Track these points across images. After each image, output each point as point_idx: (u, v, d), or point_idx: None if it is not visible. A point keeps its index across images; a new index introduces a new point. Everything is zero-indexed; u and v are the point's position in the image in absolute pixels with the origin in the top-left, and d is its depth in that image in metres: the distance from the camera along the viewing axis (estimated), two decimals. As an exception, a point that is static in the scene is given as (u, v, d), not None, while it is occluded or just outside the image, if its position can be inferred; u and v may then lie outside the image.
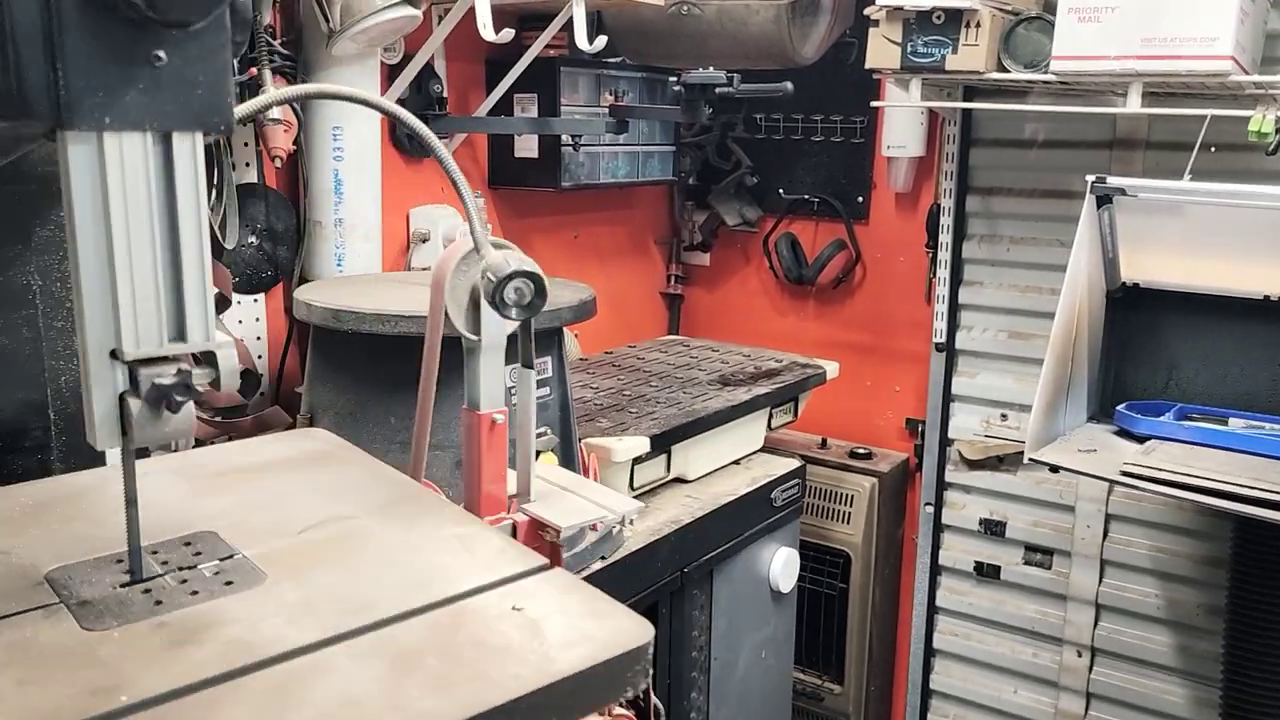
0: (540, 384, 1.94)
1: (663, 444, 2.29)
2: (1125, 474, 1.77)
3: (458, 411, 1.85)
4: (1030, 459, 1.86)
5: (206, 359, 0.76)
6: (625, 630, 0.78)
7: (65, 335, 1.15)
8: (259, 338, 2.19)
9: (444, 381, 1.85)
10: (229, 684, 0.68)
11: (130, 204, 0.72)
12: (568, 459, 1.98)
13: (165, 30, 0.69)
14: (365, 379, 1.86)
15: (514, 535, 1.35)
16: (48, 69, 0.67)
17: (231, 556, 0.86)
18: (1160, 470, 1.75)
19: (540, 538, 1.37)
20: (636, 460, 2.23)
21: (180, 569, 0.85)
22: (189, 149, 0.74)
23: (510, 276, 1.05)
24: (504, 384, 1.36)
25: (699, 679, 2.34)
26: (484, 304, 1.28)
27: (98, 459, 1.11)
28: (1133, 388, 2.25)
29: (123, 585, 0.82)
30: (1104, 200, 2.01)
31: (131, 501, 0.80)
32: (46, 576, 0.83)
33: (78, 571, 0.84)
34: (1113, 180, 2.04)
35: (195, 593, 0.81)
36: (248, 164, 2.13)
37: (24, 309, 1.11)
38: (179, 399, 0.73)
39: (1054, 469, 1.87)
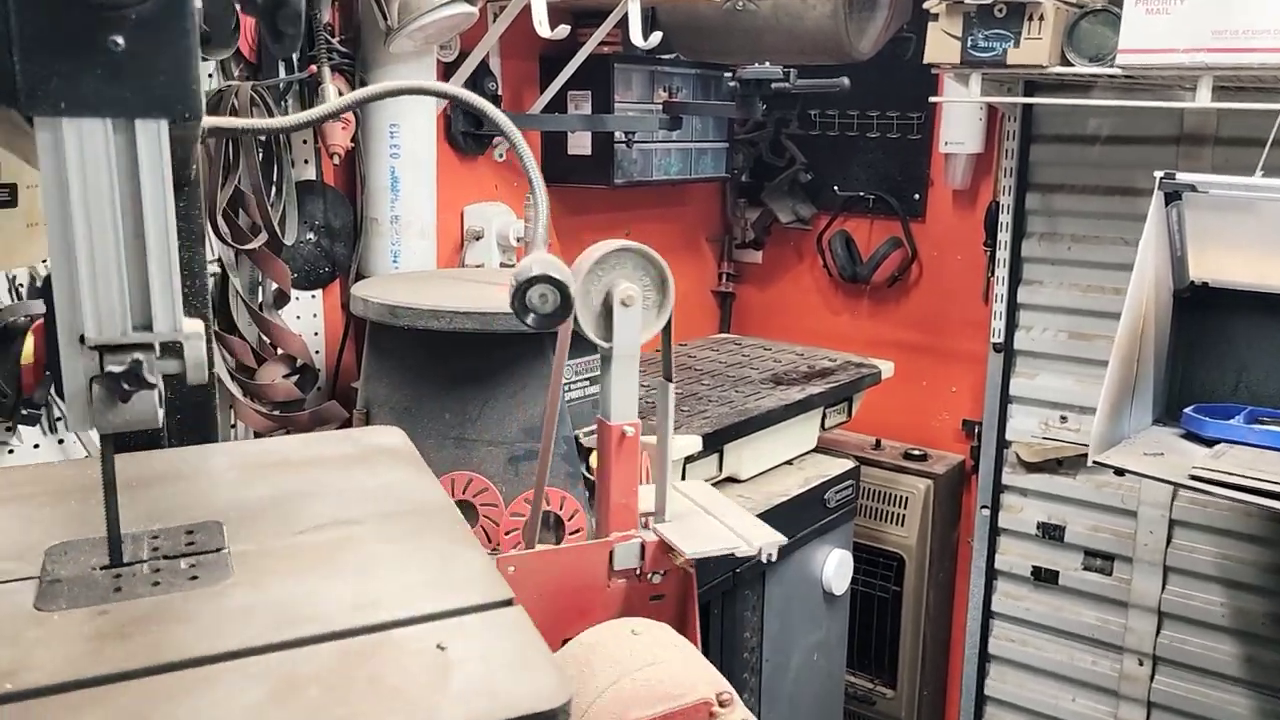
0: (593, 381, 1.94)
1: (715, 443, 2.27)
2: (1194, 478, 1.72)
3: (511, 408, 1.86)
4: (1095, 461, 1.82)
5: (173, 349, 0.75)
6: (538, 691, 0.70)
7: None
8: (316, 333, 2.22)
9: (497, 379, 1.86)
10: (107, 687, 0.67)
11: (91, 190, 0.72)
12: (620, 456, 1.97)
13: (120, 15, 0.68)
14: (420, 374, 1.87)
15: (641, 555, 1.36)
16: (3, 53, 0.67)
17: (217, 551, 0.85)
18: (1231, 474, 1.69)
19: (669, 560, 1.38)
20: (688, 459, 2.22)
21: (163, 558, 0.84)
22: (154, 136, 0.72)
23: (532, 281, 0.98)
24: (637, 394, 1.35)
25: (750, 680, 2.32)
26: (617, 309, 1.30)
27: (207, 439, 1.17)
28: (1200, 390, 2.19)
29: (101, 568, 0.82)
30: (1172, 197, 1.96)
31: (110, 486, 0.80)
32: (46, 550, 0.84)
33: (74, 548, 0.85)
34: (1182, 176, 1.98)
35: (157, 584, 0.80)
36: (306, 161, 2.15)
37: None
38: (128, 388, 0.73)
39: (1119, 472, 1.82)
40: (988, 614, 3.07)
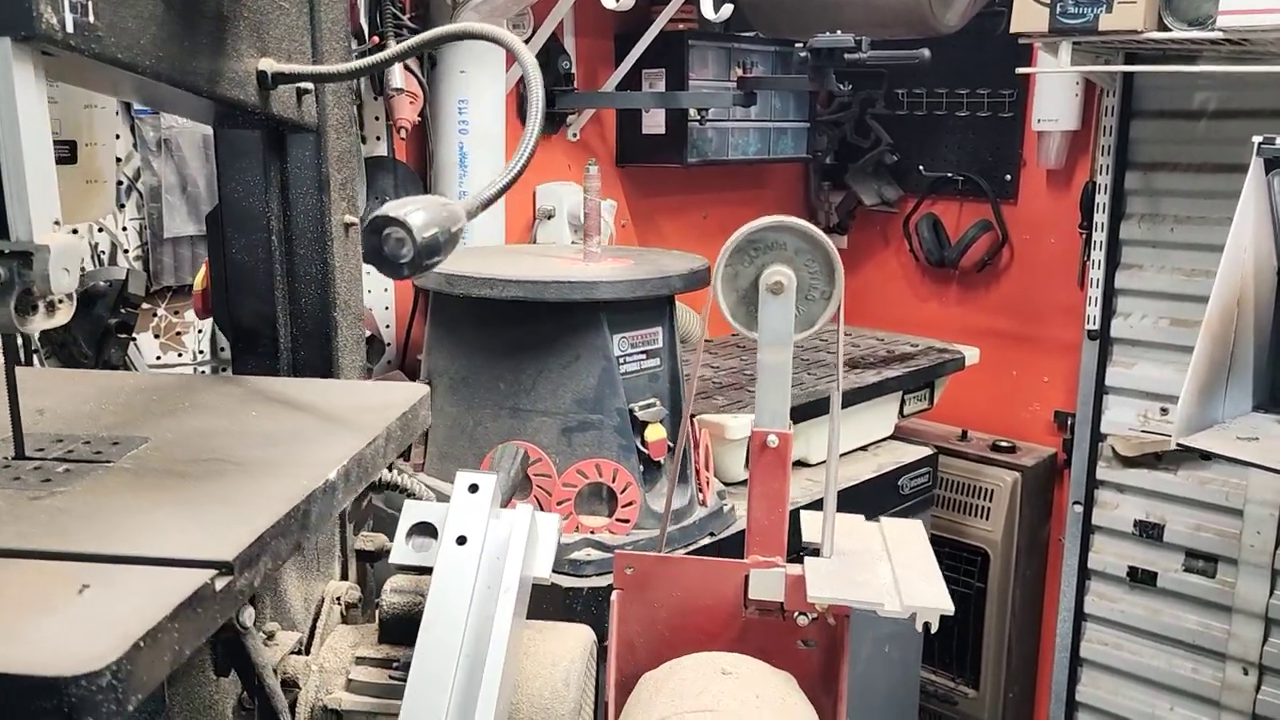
0: (649, 355, 1.91)
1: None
2: (1290, 464, 1.59)
3: (564, 378, 1.85)
4: (1179, 444, 1.69)
5: (25, 257, 0.74)
6: (48, 656, 0.57)
7: (306, 262, 1.24)
8: (387, 308, 2.26)
9: (550, 349, 1.86)
10: None
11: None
12: (676, 434, 1.94)
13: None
14: (475, 345, 1.88)
15: (782, 587, 1.20)
16: None
17: (103, 462, 0.87)
18: (1332, 461, 1.56)
19: (805, 603, 1.20)
20: (753, 439, 2.17)
21: (56, 459, 0.87)
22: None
23: (383, 222, 0.79)
24: (788, 398, 1.23)
25: (815, 668, 2.26)
26: (763, 296, 1.18)
27: (327, 373, 1.22)
28: (1308, 376, 2.02)
29: (5, 458, 0.86)
30: (1273, 164, 1.81)
31: (10, 385, 0.82)
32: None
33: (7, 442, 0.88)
34: (1285, 142, 1.84)
35: (17, 479, 0.83)
36: (378, 138, 2.19)
37: (259, 233, 1.21)
38: None
39: (1206, 456, 1.70)
40: (1080, 615, 2.92)
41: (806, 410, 2.23)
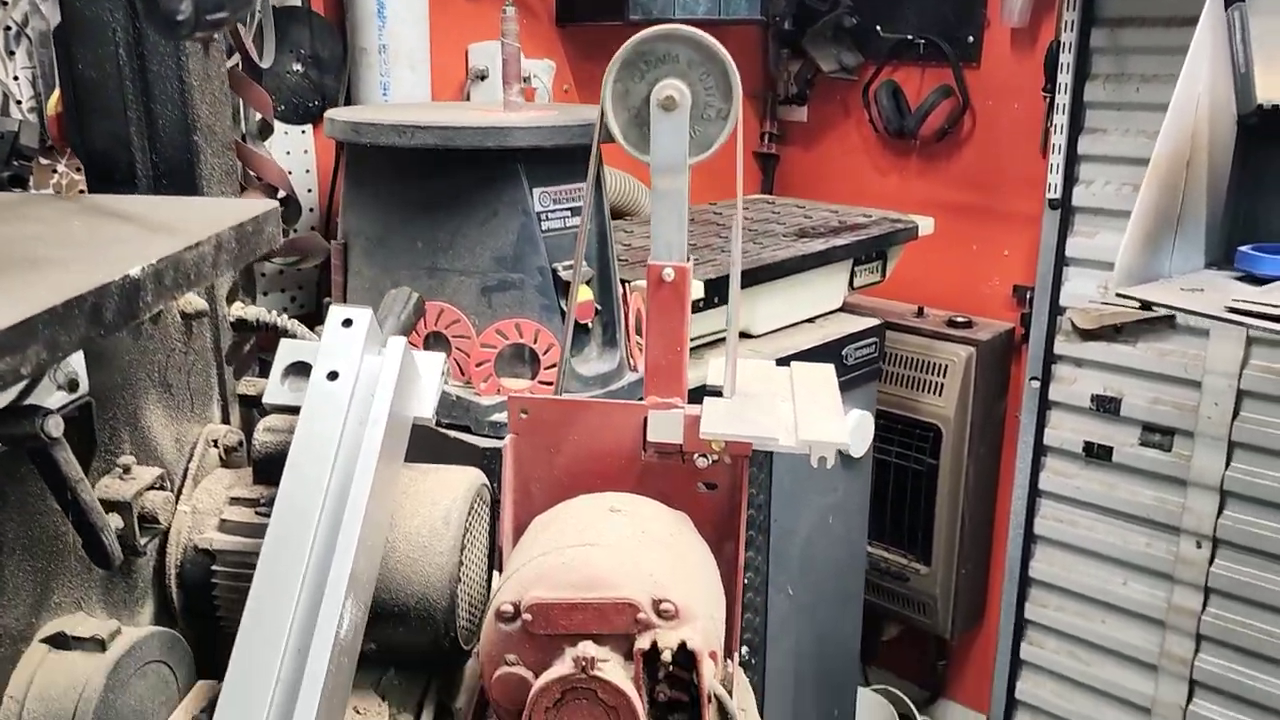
0: (575, 212, 1.82)
1: (720, 291, 2.14)
2: (1232, 310, 1.51)
3: (482, 236, 1.76)
4: (1118, 294, 1.62)
5: None
6: None
7: (160, 80, 1.14)
8: (308, 170, 2.15)
9: (467, 203, 1.76)
10: None
11: None
12: (606, 298, 1.86)
13: None
14: (391, 201, 1.79)
15: (681, 428, 1.14)
16: None
17: None
18: (1276, 306, 1.49)
19: (704, 445, 1.15)
20: (692, 308, 2.09)
21: None
22: None
23: None
24: (684, 227, 1.12)
25: (757, 538, 2.23)
26: (655, 114, 1.07)
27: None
28: (1266, 230, 1.94)
29: None
30: (1233, -3, 1.70)
31: None
32: None
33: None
34: (1248, -25, 1.72)
35: None
36: (290, -13, 2.05)
37: (106, 46, 1.11)
38: None
39: (1145, 305, 1.62)
40: (1035, 491, 2.89)
41: (748, 278, 2.16)
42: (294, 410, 1.07)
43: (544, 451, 1.23)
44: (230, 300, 1.21)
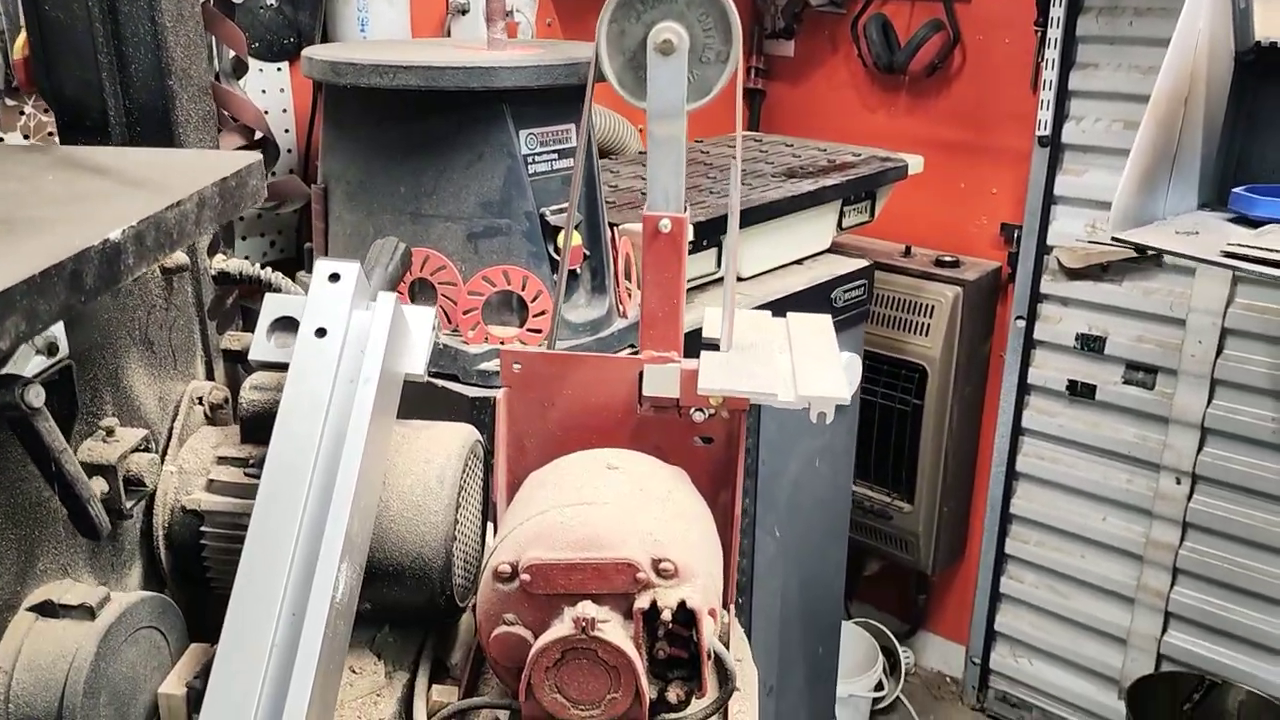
0: (562, 154, 1.77)
1: (709, 234, 2.11)
2: (1226, 254, 1.50)
3: (467, 180, 1.72)
4: (1114, 238, 1.61)
5: None
6: None
7: (131, 20, 1.09)
8: (285, 110, 2.08)
9: (450, 146, 1.71)
10: None
11: None
12: (594, 241, 1.83)
13: None
14: (372, 144, 1.73)
15: (677, 382, 1.12)
16: None
17: None
18: (1272, 251, 1.48)
19: (701, 399, 1.13)
20: (691, 247, 2.06)
21: None
22: None
23: None
24: (682, 176, 1.09)
25: (745, 481, 2.23)
26: (652, 58, 1.04)
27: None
28: (1260, 170, 1.93)
29: None
30: (1237, -69, 1.66)
31: None
32: None
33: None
34: (1252, -91, 1.68)
35: None
36: (261, -83, 1.97)
37: None
38: None
39: (1140, 250, 1.61)
40: (1018, 430, 2.91)
41: (740, 220, 2.12)
42: (281, 367, 1.04)
43: (537, 406, 1.21)
44: (211, 253, 1.17)
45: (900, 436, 2.87)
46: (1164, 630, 2.78)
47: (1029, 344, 2.83)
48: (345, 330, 1.04)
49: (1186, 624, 2.74)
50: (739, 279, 2.27)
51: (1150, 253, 1.59)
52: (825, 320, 1.30)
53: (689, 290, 2.18)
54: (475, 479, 1.17)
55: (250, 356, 1.09)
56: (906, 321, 2.81)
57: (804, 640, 2.55)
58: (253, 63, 1.99)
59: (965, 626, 3.18)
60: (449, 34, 2.31)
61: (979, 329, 2.87)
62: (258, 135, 1.90)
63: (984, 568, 3.07)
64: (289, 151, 2.09)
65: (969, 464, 3.05)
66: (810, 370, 1.14)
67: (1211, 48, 1.75)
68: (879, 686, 3.04)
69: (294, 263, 2.04)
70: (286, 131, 2.07)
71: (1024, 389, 2.88)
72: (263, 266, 1.20)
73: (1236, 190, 1.80)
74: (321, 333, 1.03)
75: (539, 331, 1.72)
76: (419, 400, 1.72)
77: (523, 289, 1.72)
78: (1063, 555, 2.92)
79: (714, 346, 1.22)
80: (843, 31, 3.02)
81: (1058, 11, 2.54)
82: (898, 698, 3.18)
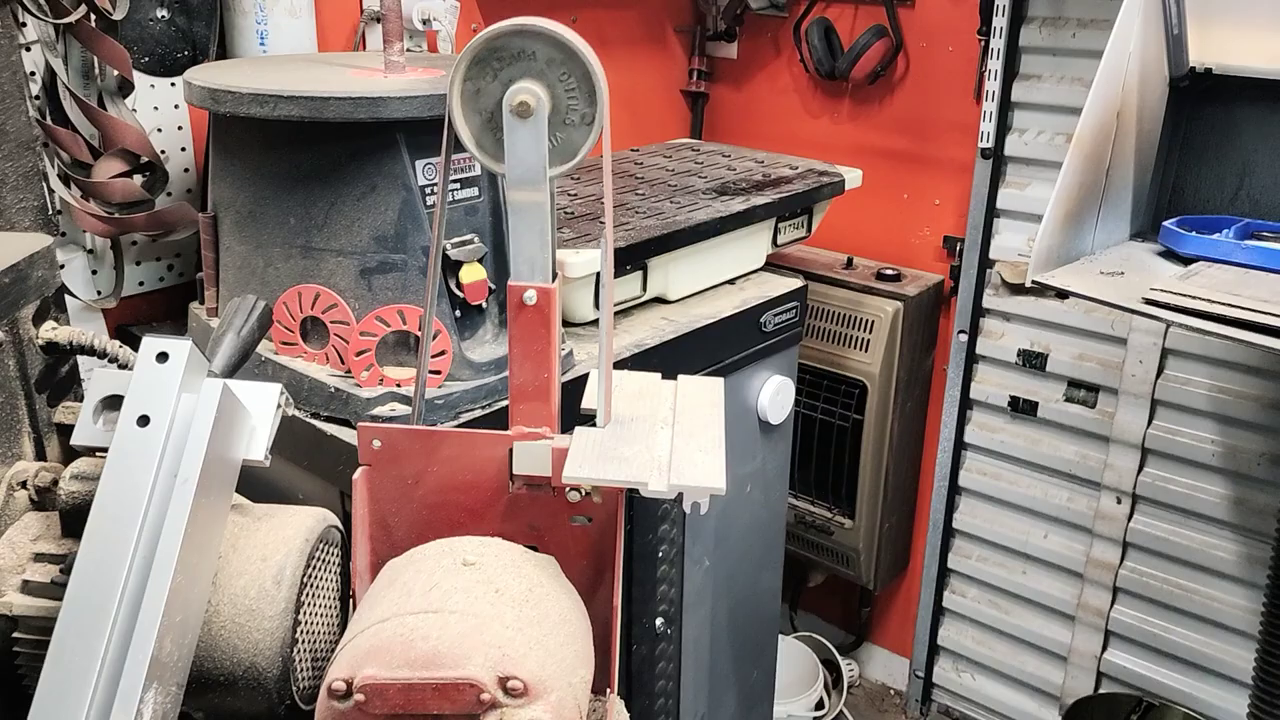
0: (465, 184, 1.68)
1: (635, 258, 2.03)
2: (1148, 301, 1.44)
3: (360, 212, 1.62)
4: (1033, 281, 1.54)
5: None
6: None
7: None
8: (180, 127, 1.97)
9: (341, 178, 1.61)
10: None
11: None
12: (501, 273, 1.74)
13: None
14: (260, 173, 1.63)
15: (549, 461, 1.05)
16: None
17: None
18: (1194, 299, 1.41)
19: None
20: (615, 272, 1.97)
21: None
22: None
23: None
24: (548, 241, 1.01)
25: (673, 511, 2.16)
26: (508, 121, 0.96)
27: None
28: (1193, 199, 1.87)
29: None
30: (1168, -45, 1.58)
31: None
32: None
33: None
34: (1186, -70, 1.61)
35: None
36: (150, -78, 1.85)
37: None
38: None
39: (1061, 295, 1.54)
40: (960, 445, 2.86)
41: (661, 243, 2.04)
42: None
43: (401, 484, 1.13)
44: (39, 321, 1.08)
45: (841, 452, 2.81)
46: (1104, 648, 2.75)
47: (971, 359, 2.77)
48: (170, 419, 0.96)
49: (1126, 643, 2.71)
50: (665, 302, 2.19)
51: (1070, 298, 1.53)
52: (716, 386, 1.23)
53: (616, 313, 2.11)
54: (329, 568, 1.09)
55: (74, 440, 1.00)
56: (847, 336, 2.74)
57: (737, 666, 2.49)
58: (144, 78, 1.88)
59: (909, 640, 3.14)
60: (364, 43, 2.20)
61: (921, 343, 2.81)
62: (144, 159, 1.80)
63: (927, 582, 3.03)
64: (186, 171, 1.98)
65: (911, 479, 3.00)
66: (689, 453, 1.07)
67: (1143, 74, 1.68)
68: (820, 705, 3.00)
69: (192, 288, 1.94)
70: (183, 150, 1.96)
71: (966, 404, 2.83)
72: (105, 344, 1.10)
73: (1167, 224, 1.73)
74: (144, 421, 0.95)
75: (438, 374, 1.64)
76: (306, 446, 1.64)
77: (420, 329, 1.63)
78: (1005, 571, 2.89)
79: (593, 417, 1.14)
80: (785, 35, 2.93)
81: (1000, 21, 2.46)
82: (841, 710, 3.14)
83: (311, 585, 1.02)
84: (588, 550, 1.14)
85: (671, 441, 1.09)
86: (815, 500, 2.92)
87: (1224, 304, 1.38)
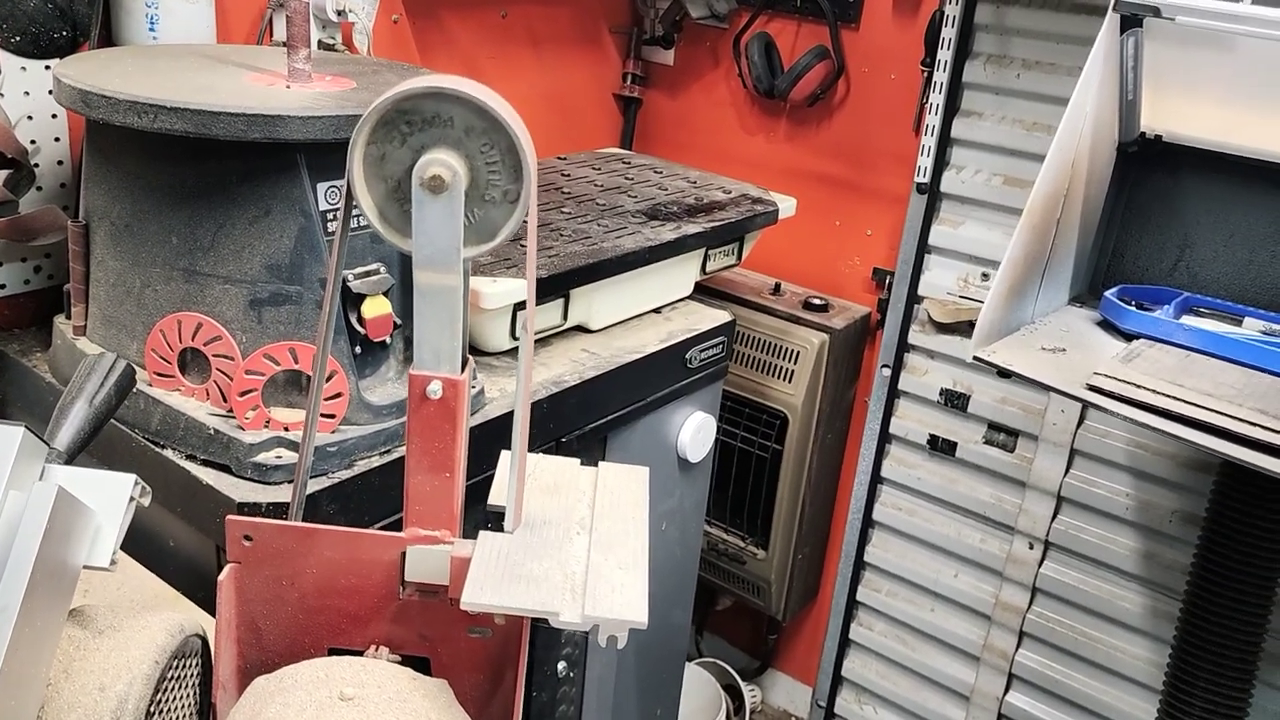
0: (373, 207, 1.53)
1: (557, 288, 1.90)
2: (1092, 388, 1.38)
3: (251, 237, 1.46)
4: (975, 357, 1.47)
5: None
6: None
7: None
8: (55, 115, 1.76)
9: (231, 198, 1.45)
10: None
11: None
12: (409, 306, 1.59)
13: None
14: (141, 184, 1.46)
15: (447, 569, 0.94)
16: None
17: None
18: (1139, 389, 1.36)
19: None
20: (520, 305, 1.84)
21: None
22: None
23: None
24: (459, 328, 0.89)
25: (580, 554, 2.05)
26: (417, 196, 0.83)
27: None
28: (1133, 266, 1.82)
29: None
30: (1130, 22, 1.52)
31: None
32: None
33: None
34: (1150, -6, 1.54)
35: None
36: (27, -116, 1.63)
37: None
38: None
39: (1004, 374, 1.48)
40: (876, 479, 2.81)
41: (585, 273, 1.92)
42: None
43: (274, 584, 0.99)
44: None
45: (759, 481, 2.74)
46: (1006, 690, 2.74)
47: (893, 394, 2.72)
48: (-6, 524, 0.80)
49: (1029, 686, 2.71)
50: (587, 331, 2.07)
51: (1011, 378, 1.47)
52: (640, 481, 1.12)
53: (536, 342, 1.98)
54: (185, 684, 0.94)
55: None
56: (771, 366, 2.66)
57: (641, 703, 2.40)
58: (14, 60, 1.67)
59: (814, 668, 3.10)
60: (270, 33, 2.01)
61: (844, 375, 2.75)
62: (8, 155, 1.60)
63: (835, 613, 2.98)
64: (60, 164, 1.77)
65: (827, 510, 2.94)
66: (608, 571, 0.96)
67: (1094, 139, 1.61)
68: (721, 734, 2.94)
69: (57, 296, 1.74)
70: (57, 140, 1.76)
71: (885, 438, 2.78)
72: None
73: (1108, 295, 1.68)
74: (-40, 528, 0.80)
75: (332, 417, 1.49)
76: (180, 496, 1.47)
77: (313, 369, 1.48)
78: (913, 608, 2.86)
79: (500, 515, 1.02)
80: (725, 47, 2.82)
81: (945, 54, 2.39)
82: (742, 738, 3.09)
83: (161, 713, 0.88)
84: (485, 663, 1.02)
85: (589, 553, 0.98)
86: (729, 528, 2.84)
87: (1168, 395, 1.33)
